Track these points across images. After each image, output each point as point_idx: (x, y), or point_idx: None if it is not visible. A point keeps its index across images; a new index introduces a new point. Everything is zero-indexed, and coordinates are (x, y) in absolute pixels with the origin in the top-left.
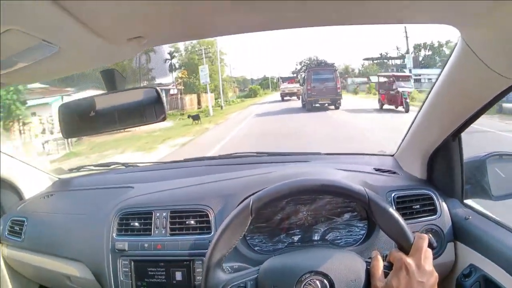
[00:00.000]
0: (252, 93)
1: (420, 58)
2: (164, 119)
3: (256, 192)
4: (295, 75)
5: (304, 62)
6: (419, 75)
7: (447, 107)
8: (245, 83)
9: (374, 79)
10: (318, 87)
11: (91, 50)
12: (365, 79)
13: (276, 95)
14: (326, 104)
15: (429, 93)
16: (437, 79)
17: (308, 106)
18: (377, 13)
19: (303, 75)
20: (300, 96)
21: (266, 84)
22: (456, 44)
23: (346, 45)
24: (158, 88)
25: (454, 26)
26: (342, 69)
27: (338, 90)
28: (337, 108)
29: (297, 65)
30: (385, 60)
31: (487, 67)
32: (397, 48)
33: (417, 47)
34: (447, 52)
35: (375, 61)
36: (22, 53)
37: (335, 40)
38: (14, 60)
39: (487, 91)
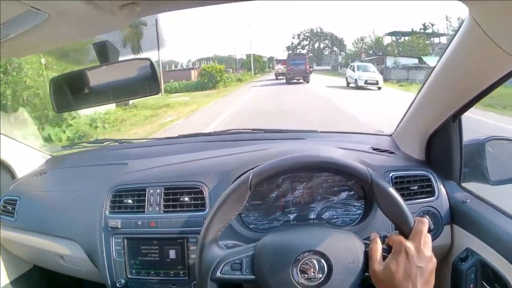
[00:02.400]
0: (208, 80)
1: None
2: (158, 93)
3: (255, 167)
4: (290, 51)
5: (304, 35)
6: None
7: (450, 87)
8: (230, 62)
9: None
10: (294, 69)
11: (81, 18)
12: (415, 60)
13: (263, 82)
14: (301, 80)
15: (431, 72)
16: (440, 58)
17: (288, 81)
18: None
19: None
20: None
21: (247, 64)
22: (463, 21)
23: (362, 14)
24: (152, 60)
25: (462, 1)
26: (373, 43)
27: (307, 71)
28: (307, 82)
29: (294, 38)
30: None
31: (496, 45)
32: (447, 19)
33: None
34: None
35: (419, 36)
36: (10, 22)
37: (346, 8)
38: (3, 31)
39: (493, 71)
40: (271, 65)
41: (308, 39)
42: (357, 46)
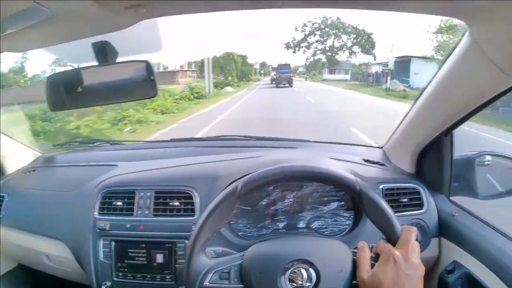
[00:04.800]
0: None
1: None
2: (154, 95)
3: (245, 176)
4: (291, 49)
5: (312, 26)
6: None
7: (445, 103)
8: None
9: None
10: (281, 76)
11: (85, 17)
12: None
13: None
14: (286, 84)
15: (426, 87)
16: (436, 73)
17: (276, 85)
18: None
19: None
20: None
21: (201, 67)
22: (461, 38)
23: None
24: (150, 62)
25: (461, 19)
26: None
27: (291, 78)
28: (291, 86)
29: (296, 31)
30: None
31: (493, 63)
32: None
33: None
34: None
35: None
36: (13, 17)
37: None
38: (5, 25)
39: (489, 89)
40: (262, 72)
41: (319, 32)
42: None
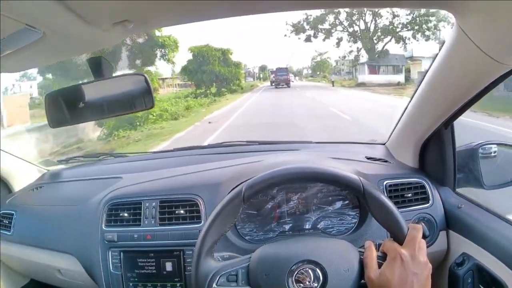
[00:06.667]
0: None
1: None
2: (152, 107)
3: (248, 179)
4: (300, 35)
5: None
6: None
7: (440, 95)
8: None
9: None
10: (279, 78)
11: (75, 35)
12: None
13: None
14: (284, 85)
15: (421, 81)
16: (430, 67)
17: (275, 86)
18: None
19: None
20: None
21: None
22: (451, 30)
23: None
24: (146, 75)
25: (449, 11)
26: None
27: (288, 79)
28: (289, 86)
29: (305, 14)
30: None
31: (483, 52)
32: None
33: None
34: None
35: None
36: (5, 39)
37: None
38: (4, 46)
39: (482, 78)
40: (261, 76)
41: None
42: None
